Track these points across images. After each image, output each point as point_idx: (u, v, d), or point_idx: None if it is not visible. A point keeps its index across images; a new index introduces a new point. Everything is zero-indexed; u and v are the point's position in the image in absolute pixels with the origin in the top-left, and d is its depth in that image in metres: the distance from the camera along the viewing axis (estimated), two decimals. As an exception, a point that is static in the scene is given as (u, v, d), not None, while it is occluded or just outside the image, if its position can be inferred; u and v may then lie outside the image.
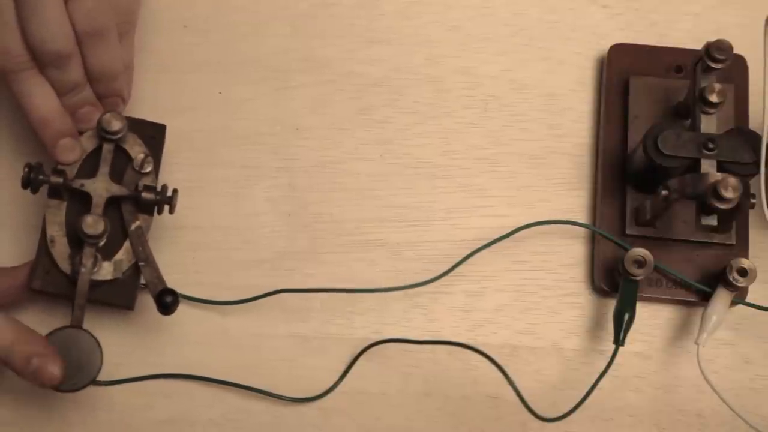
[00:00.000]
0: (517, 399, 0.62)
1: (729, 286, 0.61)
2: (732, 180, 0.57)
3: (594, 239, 0.66)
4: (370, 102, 0.69)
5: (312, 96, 0.69)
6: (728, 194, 0.57)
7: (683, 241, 0.64)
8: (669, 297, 0.64)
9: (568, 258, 0.66)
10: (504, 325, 0.65)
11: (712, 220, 0.62)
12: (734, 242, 0.64)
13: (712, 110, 0.61)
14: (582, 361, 0.64)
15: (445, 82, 0.69)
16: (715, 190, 0.57)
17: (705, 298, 0.63)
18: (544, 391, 0.64)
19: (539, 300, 0.66)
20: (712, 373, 0.63)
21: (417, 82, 0.69)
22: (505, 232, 0.65)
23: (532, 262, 0.66)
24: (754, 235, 0.65)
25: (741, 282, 0.61)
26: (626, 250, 0.61)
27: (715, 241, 0.64)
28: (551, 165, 0.68)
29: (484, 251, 0.65)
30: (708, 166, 0.60)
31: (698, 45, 0.63)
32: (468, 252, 0.65)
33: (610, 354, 0.61)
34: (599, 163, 0.67)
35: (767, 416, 0.63)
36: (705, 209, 0.61)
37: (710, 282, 0.63)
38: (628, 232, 0.65)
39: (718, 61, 0.61)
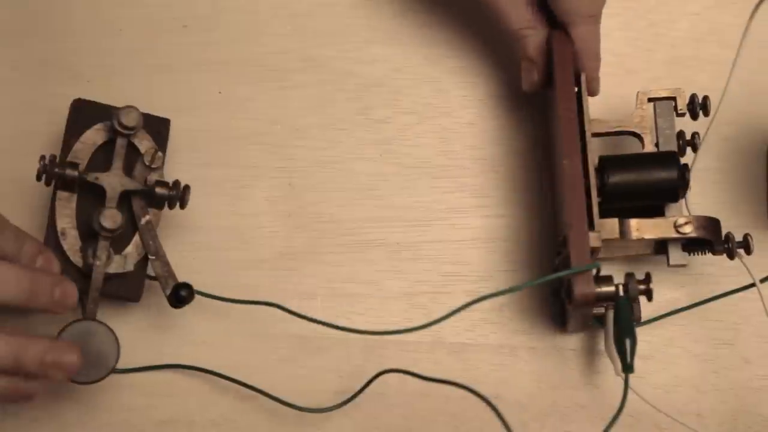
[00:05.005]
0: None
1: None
2: None
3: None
4: (369, 102, 0.69)
5: (311, 96, 0.69)
6: None
7: None
8: None
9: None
10: (503, 324, 0.65)
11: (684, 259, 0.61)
12: None
13: None
14: (582, 361, 0.64)
15: (444, 82, 0.69)
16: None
17: None
18: (544, 391, 0.64)
19: (538, 300, 0.65)
20: (712, 373, 0.64)
21: (416, 82, 0.69)
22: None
23: (530, 261, 0.66)
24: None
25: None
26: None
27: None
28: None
29: (482, 251, 0.66)
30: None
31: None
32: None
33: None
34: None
35: (767, 416, 0.63)
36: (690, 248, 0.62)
37: None
38: None
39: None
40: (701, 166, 0.66)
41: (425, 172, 0.68)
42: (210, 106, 0.69)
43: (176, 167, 0.66)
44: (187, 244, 0.66)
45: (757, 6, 0.56)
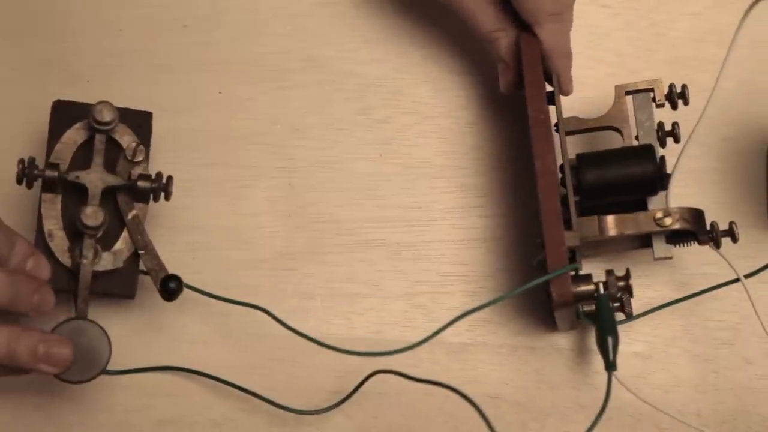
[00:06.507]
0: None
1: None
2: None
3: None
4: (369, 102, 0.69)
5: (311, 96, 0.69)
6: None
7: None
8: None
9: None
10: (503, 324, 0.65)
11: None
12: None
13: None
14: (582, 361, 0.64)
15: (444, 81, 0.69)
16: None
17: None
18: (544, 391, 0.64)
19: (537, 300, 0.65)
20: (712, 373, 0.64)
21: (416, 82, 0.69)
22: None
23: (528, 261, 0.66)
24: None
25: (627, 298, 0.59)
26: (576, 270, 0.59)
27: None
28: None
29: (482, 251, 0.66)
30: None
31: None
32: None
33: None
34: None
35: (767, 416, 0.63)
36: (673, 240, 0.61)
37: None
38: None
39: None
40: (700, 166, 0.66)
41: (425, 172, 0.68)
42: (210, 106, 0.69)
43: (176, 167, 0.66)
44: (187, 244, 0.66)
45: (751, 6, 0.56)
